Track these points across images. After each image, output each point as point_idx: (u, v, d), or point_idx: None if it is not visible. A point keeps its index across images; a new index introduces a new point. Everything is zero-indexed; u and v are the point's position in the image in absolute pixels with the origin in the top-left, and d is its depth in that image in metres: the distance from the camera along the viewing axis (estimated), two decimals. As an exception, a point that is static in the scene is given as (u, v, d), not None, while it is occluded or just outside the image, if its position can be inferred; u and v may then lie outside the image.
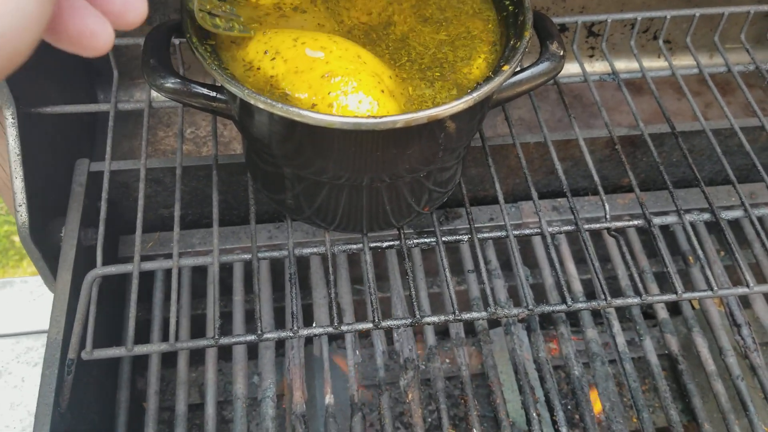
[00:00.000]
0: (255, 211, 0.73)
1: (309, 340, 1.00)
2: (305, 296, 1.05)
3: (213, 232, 0.70)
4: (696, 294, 0.70)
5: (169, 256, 0.92)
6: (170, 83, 0.59)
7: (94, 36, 0.35)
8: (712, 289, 0.70)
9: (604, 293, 0.70)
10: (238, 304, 0.94)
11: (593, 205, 1.01)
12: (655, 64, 1.20)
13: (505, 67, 0.56)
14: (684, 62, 1.23)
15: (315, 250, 0.72)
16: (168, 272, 0.96)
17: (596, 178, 0.76)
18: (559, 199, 1.02)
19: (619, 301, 0.70)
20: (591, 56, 1.20)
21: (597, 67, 1.22)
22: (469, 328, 1.13)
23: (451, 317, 0.68)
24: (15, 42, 0.30)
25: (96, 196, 0.86)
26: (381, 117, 0.52)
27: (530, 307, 0.68)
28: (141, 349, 0.65)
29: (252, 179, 0.74)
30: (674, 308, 1.08)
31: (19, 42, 0.30)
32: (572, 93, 1.18)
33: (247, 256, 0.71)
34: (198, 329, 0.99)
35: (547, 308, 0.69)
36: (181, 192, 0.95)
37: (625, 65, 1.20)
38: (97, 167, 0.88)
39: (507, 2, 0.63)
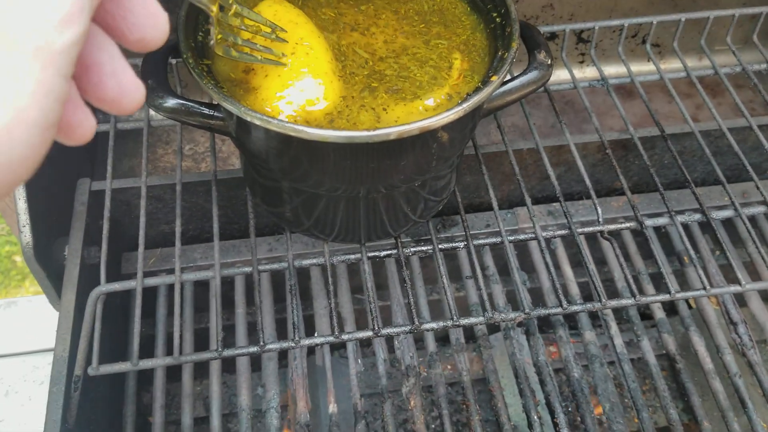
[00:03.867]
0: (255, 225, 0.75)
1: (311, 350, 1.01)
2: (307, 307, 1.06)
3: (214, 247, 0.72)
4: (689, 293, 0.71)
5: (171, 271, 0.93)
6: (169, 103, 0.61)
7: (80, 127, 0.35)
8: (705, 288, 0.71)
9: (599, 295, 0.71)
10: (240, 316, 0.95)
11: (588, 208, 1.02)
12: (645, 68, 1.21)
13: (494, 78, 0.58)
14: (674, 65, 1.25)
15: (314, 261, 0.74)
16: (170, 287, 0.97)
17: (588, 182, 0.78)
18: (554, 204, 1.03)
19: (613, 303, 0.71)
20: (581, 62, 1.22)
21: (588, 72, 1.24)
22: (470, 333, 1.14)
23: (449, 323, 0.69)
24: (13, 173, 0.28)
25: (98, 214, 0.88)
26: (374, 130, 0.54)
27: (527, 310, 0.69)
28: (146, 364, 0.66)
29: (251, 194, 0.75)
30: (671, 308, 1.09)
31: (18, 171, 0.28)
32: (564, 99, 1.20)
33: (248, 269, 0.72)
34: (201, 342, 1.00)
35: (543, 311, 0.70)
36: (182, 208, 0.97)
37: (615, 70, 1.22)
38: (99, 186, 0.89)
39: (495, 14, 0.65)
